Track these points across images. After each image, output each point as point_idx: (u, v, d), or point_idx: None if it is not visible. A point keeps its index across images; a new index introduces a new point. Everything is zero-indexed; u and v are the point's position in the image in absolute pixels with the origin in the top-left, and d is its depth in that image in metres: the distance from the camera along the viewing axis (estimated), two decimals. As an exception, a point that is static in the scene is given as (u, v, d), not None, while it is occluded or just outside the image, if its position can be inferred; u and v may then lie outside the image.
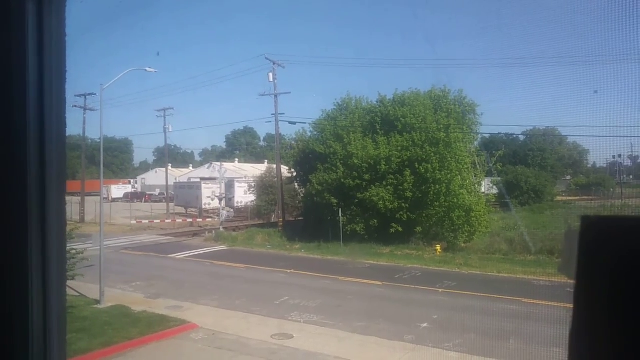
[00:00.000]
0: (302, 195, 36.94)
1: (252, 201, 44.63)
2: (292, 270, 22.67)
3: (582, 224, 0.80)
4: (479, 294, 17.17)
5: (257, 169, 56.06)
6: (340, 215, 28.51)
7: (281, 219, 36.02)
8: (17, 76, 1.13)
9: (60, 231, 1.19)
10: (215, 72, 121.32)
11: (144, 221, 38.11)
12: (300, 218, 37.35)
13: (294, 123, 36.61)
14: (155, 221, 39.39)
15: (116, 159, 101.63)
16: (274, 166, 40.50)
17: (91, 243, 18.44)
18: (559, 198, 48.88)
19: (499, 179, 40.74)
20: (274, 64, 36.16)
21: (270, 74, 36.11)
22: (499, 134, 46.69)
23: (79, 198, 41.33)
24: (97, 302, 16.44)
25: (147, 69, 23.89)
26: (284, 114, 38.94)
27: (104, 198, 22.63)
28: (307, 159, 33.62)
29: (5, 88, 1.13)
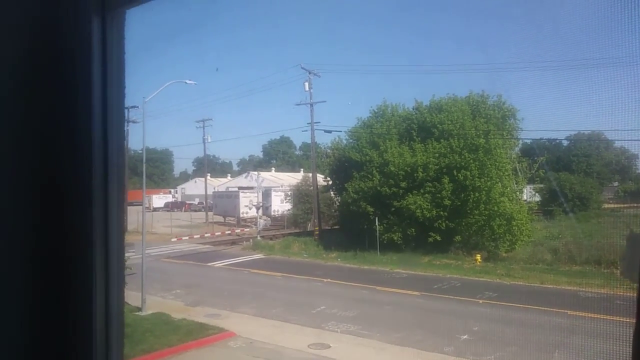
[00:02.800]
0: (338, 203, 36.91)
1: (289, 210, 44.91)
2: (329, 280, 22.61)
3: None
4: (521, 306, 16.62)
5: (293, 178, 56.44)
6: (376, 223, 28.28)
7: (317, 228, 36.06)
8: (83, 89, 1.17)
9: (120, 237, 1.23)
10: (253, 82, 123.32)
11: (183, 237, 39.03)
12: (337, 227, 37.28)
13: (330, 132, 36.75)
14: (195, 235, 40.18)
15: (157, 170, 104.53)
16: (310, 175, 40.67)
17: (133, 251, 18.99)
18: (606, 205, 46.85)
19: (542, 185, 39.49)
20: (309, 73, 36.46)
21: (306, 83, 36.42)
22: (541, 139, 45.27)
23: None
24: (139, 309, 16.86)
25: (187, 81, 24.57)
26: (319, 122, 39.08)
27: (146, 207, 23.29)
28: (342, 167, 33.61)
29: (72, 100, 1.17)
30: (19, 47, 1.12)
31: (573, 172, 49.27)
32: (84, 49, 1.18)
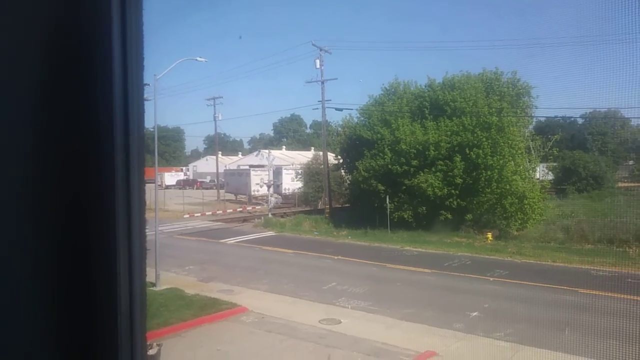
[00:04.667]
0: (348, 182, 36.93)
1: (299, 188, 45.08)
2: (339, 257, 22.78)
3: None
4: (532, 284, 16.65)
5: (304, 156, 56.46)
6: (387, 202, 28.28)
7: (328, 206, 36.19)
8: (103, 65, 1.18)
9: (141, 216, 1.26)
10: (263, 59, 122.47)
11: (195, 215, 39.39)
12: (347, 205, 37.38)
13: (341, 109, 36.62)
14: (207, 213, 40.55)
15: (169, 147, 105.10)
16: (321, 153, 40.62)
17: (147, 228, 19.21)
18: (620, 184, 46.30)
19: (555, 164, 39.07)
20: (320, 50, 36.07)
21: (317, 61, 36.06)
22: (556, 117, 44.58)
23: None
24: (153, 284, 17.18)
25: (198, 58, 24.42)
26: (330, 100, 38.85)
27: (158, 185, 23.50)
28: (353, 145, 33.50)
29: (92, 79, 1.19)
30: (36, 24, 1.13)
31: (587, 151, 48.64)
32: (103, 24, 1.19)
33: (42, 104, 1.12)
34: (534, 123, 33.65)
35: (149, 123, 22.54)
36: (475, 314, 14.07)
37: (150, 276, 17.47)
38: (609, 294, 14.04)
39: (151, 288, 16.99)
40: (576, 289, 15.46)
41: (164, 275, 17.73)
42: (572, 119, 51.24)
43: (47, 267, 1.11)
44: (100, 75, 1.19)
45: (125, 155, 1.20)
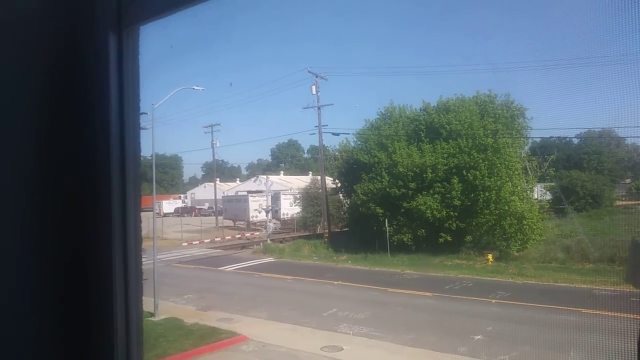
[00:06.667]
0: (347, 205, 36.88)
1: (298, 213, 44.96)
2: (340, 282, 22.58)
3: None
4: (535, 305, 16.49)
5: (302, 181, 56.51)
6: (386, 225, 28.21)
7: (327, 230, 36.05)
8: (100, 103, 1.21)
9: (137, 245, 1.27)
10: (261, 87, 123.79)
11: (194, 242, 39.18)
12: (346, 229, 37.25)
13: (337, 134, 36.79)
14: (205, 240, 40.32)
15: (166, 175, 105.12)
16: (319, 177, 40.69)
17: (145, 257, 19.04)
18: (618, 203, 46.34)
19: (553, 184, 39.17)
20: (316, 76, 36.53)
21: (313, 87, 36.48)
22: (551, 137, 44.93)
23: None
24: (152, 314, 16.96)
25: (195, 87, 24.76)
26: (327, 125, 39.21)
27: (156, 213, 23.42)
28: (351, 169, 33.61)
29: (90, 114, 1.21)
30: (37, 65, 1.16)
31: (584, 170, 48.82)
32: (101, 64, 1.22)
33: (38, 148, 1.14)
34: (529, 144, 33.81)
35: (147, 151, 22.63)
36: (478, 337, 13.89)
37: (148, 306, 17.25)
38: (613, 314, 13.89)
39: (149, 318, 16.76)
40: (579, 309, 15.30)
41: (162, 305, 17.51)
42: (568, 139, 51.69)
43: (44, 305, 1.11)
44: (98, 114, 1.21)
45: (122, 189, 1.22)
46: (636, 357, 0.79)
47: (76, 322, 1.15)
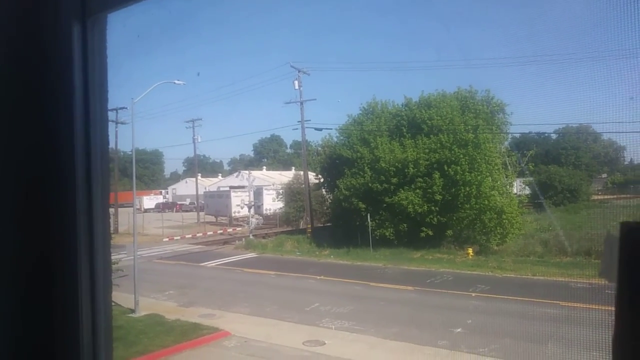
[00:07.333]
0: (329, 201, 36.94)
1: (281, 208, 44.87)
2: (322, 277, 22.63)
3: (621, 229, 0.81)
4: (514, 298, 16.77)
5: (285, 176, 56.40)
6: (368, 220, 28.34)
7: (309, 225, 36.06)
8: (64, 94, 1.17)
9: (106, 241, 1.23)
10: (242, 81, 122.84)
11: (175, 238, 38.83)
12: (329, 224, 37.33)
13: (320, 129, 36.89)
14: (187, 236, 40.00)
15: (147, 171, 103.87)
16: (301, 173, 40.66)
17: (125, 253, 18.87)
18: (595, 197, 47.36)
19: (532, 179, 39.80)
20: (298, 71, 36.40)
21: (296, 82, 36.36)
22: (530, 132, 45.61)
23: (113, 209, 42.39)
24: (132, 311, 16.77)
25: (176, 81, 24.42)
26: (310, 120, 39.14)
27: (137, 209, 23.13)
28: (334, 164, 33.64)
29: (53, 105, 1.17)
30: None
31: (562, 165, 49.72)
32: (64, 54, 1.18)
33: (1, 136, 1.10)
34: (509, 139, 34.26)
35: (127, 146, 22.30)
36: (459, 330, 14.07)
37: (129, 302, 17.06)
38: (590, 306, 14.20)
39: (130, 315, 16.58)
40: (557, 302, 15.60)
41: (143, 301, 17.33)
42: (546, 134, 52.47)
43: (6, 304, 1.06)
44: (62, 107, 1.17)
45: (87, 183, 1.18)
46: (610, 346, 0.81)
47: (40, 322, 1.11)
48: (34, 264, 1.12)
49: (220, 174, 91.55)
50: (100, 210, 1.21)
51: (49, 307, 1.13)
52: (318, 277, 22.56)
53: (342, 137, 33.86)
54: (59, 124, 1.17)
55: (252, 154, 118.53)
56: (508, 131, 32.28)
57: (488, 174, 27.25)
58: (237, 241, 36.10)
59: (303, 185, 38.85)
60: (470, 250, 26.02)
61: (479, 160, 27.00)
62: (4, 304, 1.08)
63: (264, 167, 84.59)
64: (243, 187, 49.12)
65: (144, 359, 12.58)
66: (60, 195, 1.16)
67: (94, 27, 1.21)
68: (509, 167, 30.46)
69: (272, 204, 47.18)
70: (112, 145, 46.31)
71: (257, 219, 42.84)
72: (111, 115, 41.47)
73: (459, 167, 26.60)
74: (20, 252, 1.10)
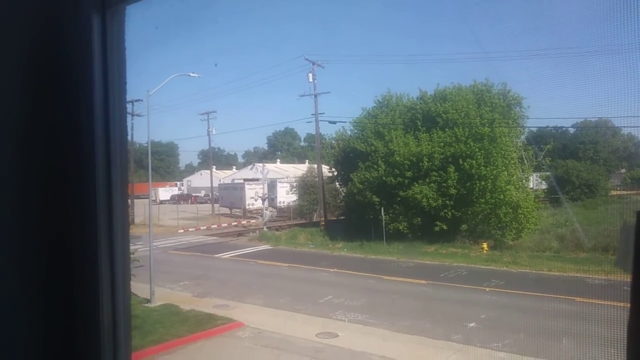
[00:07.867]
0: (343, 194, 36.91)
1: (294, 201, 45.00)
2: (335, 269, 22.68)
3: (638, 218, 0.80)
4: (528, 293, 16.62)
5: (299, 169, 56.46)
6: (382, 213, 28.27)
7: (323, 218, 36.12)
8: (84, 86, 1.19)
9: (125, 231, 1.25)
10: (257, 74, 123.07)
11: (190, 229, 39.19)
12: (342, 217, 37.32)
13: (334, 122, 36.69)
14: (202, 227, 40.35)
15: (163, 163, 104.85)
16: (315, 166, 40.66)
17: (141, 244, 19.13)
18: (613, 192, 46.56)
19: (548, 173, 39.27)
20: (313, 64, 36.32)
21: (310, 75, 36.29)
22: (547, 126, 44.97)
23: (129, 201, 42.86)
24: (148, 301, 17.01)
25: (191, 74, 24.52)
26: (324, 113, 39.13)
27: (152, 200, 23.38)
28: (347, 157, 33.57)
29: (74, 97, 1.18)
30: (19, 47, 1.13)
31: (580, 160, 48.99)
32: (84, 46, 1.19)
33: (19, 132, 1.12)
34: (525, 133, 33.78)
35: (143, 138, 22.49)
36: (472, 324, 14.01)
37: (145, 292, 17.31)
38: (606, 303, 14.02)
39: (146, 304, 16.82)
40: (573, 297, 15.44)
41: (158, 292, 17.56)
42: (564, 128, 51.73)
43: (26, 286, 1.09)
44: (82, 98, 1.19)
45: (107, 174, 1.20)
46: (625, 344, 0.81)
47: (60, 311, 1.14)
48: (54, 256, 1.14)
49: (234, 167, 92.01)
50: (120, 199, 1.23)
51: (70, 296, 1.15)
52: (331, 270, 22.61)
53: (356, 130, 33.75)
54: (79, 116, 1.19)
55: (266, 146, 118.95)
56: (525, 125, 31.87)
57: (504, 168, 26.95)
58: (251, 233, 36.32)
59: (317, 179, 38.88)
60: (485, 245, 25.84)
61: (495, 154, 26.71)
62: (26, 292, 1.11)
63: (278, 160, 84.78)
64: (257, 179, 49.30)
65: (160, 348, 12.78)
66: (82, 186, 1.18)
67: (113, 19, 1.23)
68: (526, 161, 30.10)
69: (286, 196, 47.33)
70: (128, 137, 46.98)
71: (270, 211, 43.02)
72: (127, 107, 41.92)
73: (474, 161, 26.35)
74: (41, 243, 1.13)
